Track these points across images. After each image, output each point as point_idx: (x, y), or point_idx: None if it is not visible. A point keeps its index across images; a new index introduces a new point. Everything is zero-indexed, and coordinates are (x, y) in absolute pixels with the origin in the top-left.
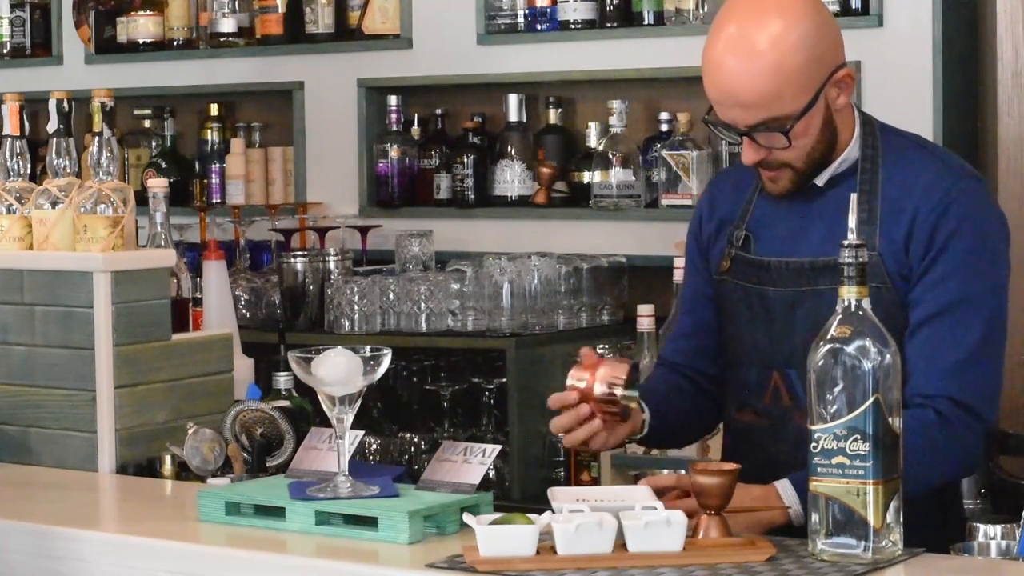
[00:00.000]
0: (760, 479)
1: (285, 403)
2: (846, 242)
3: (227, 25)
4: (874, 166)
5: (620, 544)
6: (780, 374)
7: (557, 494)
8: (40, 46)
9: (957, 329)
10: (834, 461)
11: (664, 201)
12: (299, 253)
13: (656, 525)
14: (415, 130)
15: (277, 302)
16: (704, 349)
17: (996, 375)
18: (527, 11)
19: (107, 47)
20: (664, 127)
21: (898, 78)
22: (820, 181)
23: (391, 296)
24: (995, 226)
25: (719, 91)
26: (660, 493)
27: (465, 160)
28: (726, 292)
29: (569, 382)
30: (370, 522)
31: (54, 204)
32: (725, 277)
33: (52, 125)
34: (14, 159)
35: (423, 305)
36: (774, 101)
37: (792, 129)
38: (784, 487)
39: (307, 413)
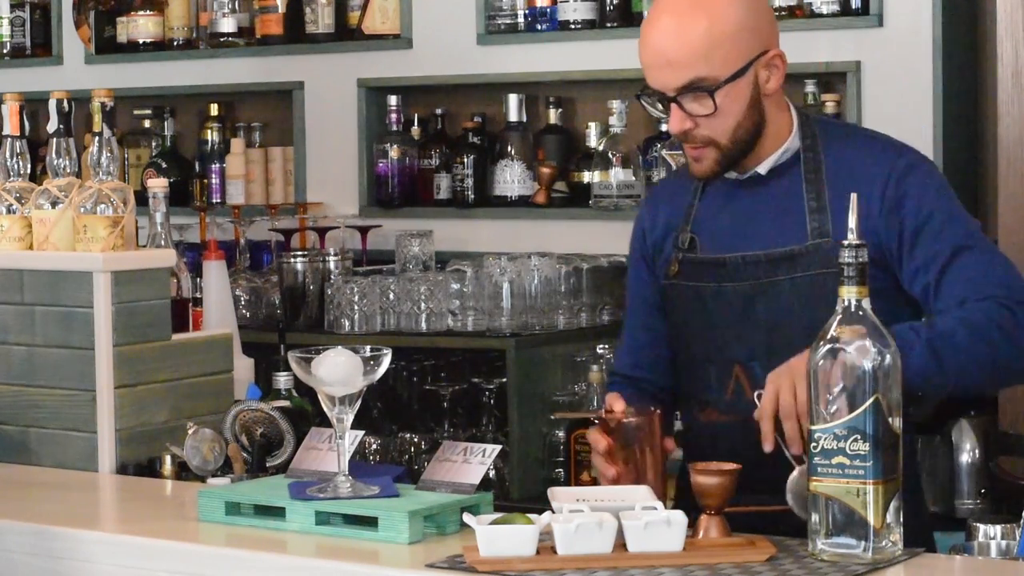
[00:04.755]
0: None
1: (285, 403)
2: (846, 242)
3: (227, 25)
4: (815, 153)
5: (620, 544)
6: (743, 367)
7: (557, 494)
8: (40, 46)
9: (980, 262)
10: (834, 461)
11: None
12: (299, 253)
13: (656, 525)
14: (415, 130)
15: (277, 302)
16: (660, 360)
17: None
18: (527, 11)
19: (107, 47)
20: (664, 127)
21: (898, 78)
22: (763, 170)
23: (391, 296)
24: (946, 182)
25: (651, 51)
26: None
27: (465, 160)
28: (677, 295)
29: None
30: (370, 522)
31: (54, 204)
32: (675, 281)
33: (52, 125)
34: (14, 159)
35: (423, 305)
36: (702, 60)
37: (718, 90)
38: None
39: (307, 413)
